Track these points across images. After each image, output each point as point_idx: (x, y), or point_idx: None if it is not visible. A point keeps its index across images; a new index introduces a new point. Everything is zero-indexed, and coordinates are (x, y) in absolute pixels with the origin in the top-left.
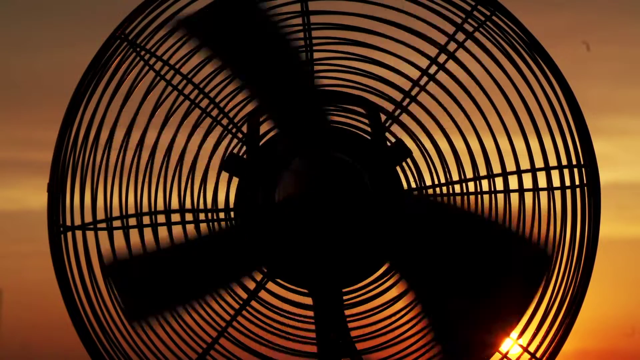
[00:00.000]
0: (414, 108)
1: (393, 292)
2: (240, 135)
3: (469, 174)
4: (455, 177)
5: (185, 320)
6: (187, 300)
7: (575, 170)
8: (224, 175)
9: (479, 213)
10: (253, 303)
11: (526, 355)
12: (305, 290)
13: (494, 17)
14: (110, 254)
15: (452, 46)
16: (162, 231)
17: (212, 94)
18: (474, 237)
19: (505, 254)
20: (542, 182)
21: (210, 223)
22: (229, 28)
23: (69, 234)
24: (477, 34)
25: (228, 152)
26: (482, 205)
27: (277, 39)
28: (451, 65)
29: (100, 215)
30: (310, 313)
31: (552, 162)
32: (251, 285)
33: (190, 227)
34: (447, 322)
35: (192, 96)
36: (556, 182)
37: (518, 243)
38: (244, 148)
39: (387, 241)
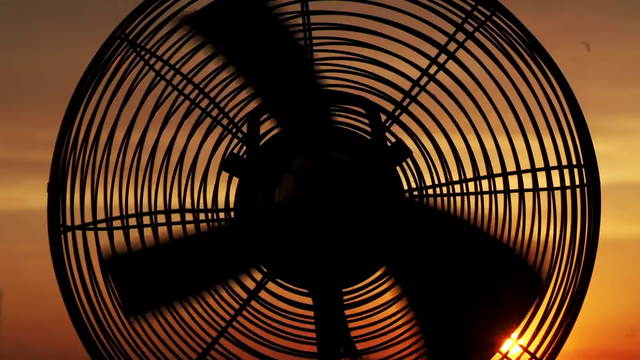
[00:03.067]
0: (414, 108)
1: (393, 293)
2: (240, 135)
3: (469, 174)
4: (455, 177)
5: (185, 320)
6: (185, 297)
7: (575, 170)
8: (224, 175)
9: (477, 224)
10: (253, 303)
11: (526, 355)
12: (305, 290)
13: (494, 17)
14: (110, 251)
15: (452, 46)
16: (162, 231)
17: (212, 94)
18: (471, 246)
19: (500, 265)
20: (542, 182)
21: (210, 223)
22: (232, 25)
23: (69, 234)
24: (477, 34)
25: (228, 152)
26: (482, 206)
27: (280, 36)
28: (451, 65)
29: (100, 215)
30: (310, 313)
31: (552, 162)
32: (251, 285)
33: (190, 227)
34: (439, 327)
35: (192, 96)
36: (556, 182)
37: (514, 260)
38: (244, 148)
39: (387, 241)
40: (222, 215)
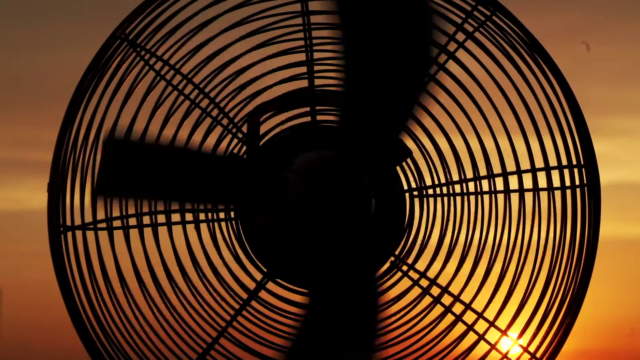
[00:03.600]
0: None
1: (393, 292)
2: (240, 135)
3: (469, 174)
4: (455, 177)
5: (185, 320)
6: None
7: (575, 170)
8: None
9: None
10: (253, 303)
11: (526, 355)
12: (305, 290)
13: (494, 17)
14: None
15: (452, 46)
16: (162, 231)
17: (212, 94)
18: None
19: None
20: (542, 182)
21: (210, 223)
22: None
23: (69, 234)
24: (477, 34)
25: (228, 152)
26: (482, 206)
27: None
28: (451, 65)
29: (100, 215)
30: None
31: (552, 162)
32: (251, 285)
33: (190, 227)
34: None
35: (192, 96)
36: (556, 182)
37: None
38: (244, 148)
39: (387, 241)
40: (222, 215)
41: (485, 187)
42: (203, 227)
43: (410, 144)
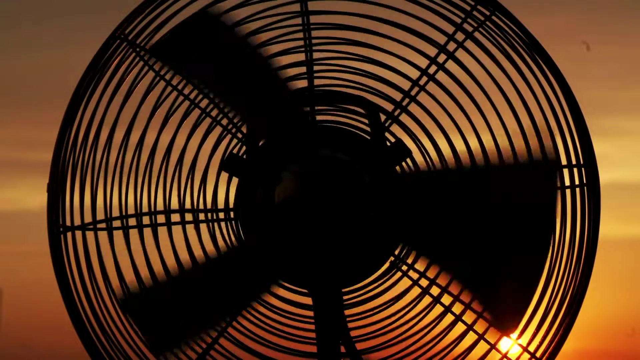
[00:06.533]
0: (413, 108)
1: (393, 292)
2: (240, 135)
3: None
4: None
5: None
6: (208, 323)
7: (575, 170)
8: (224, 175)
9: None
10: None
11: (526, 355)
12: (305, 290)
13: (493, 17)
14: (124, 291)
15: (451, 46)
16: (162, 231)
17: (211, 95)
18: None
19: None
20: None
21: (210, 223)
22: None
23: (69, 234)
24: (476, 34)
25: (228, 152)
26: None
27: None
28: (451, 65)
29: (100, 215)
30: (311, 313)
31: None
32: None
33: (190, 227)
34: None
35: (192, 96)
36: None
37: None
38: (244, 148)
39: (388, 240)
40: (222, 215)
41: None
42: (203, 227)
43: (410, 144)
